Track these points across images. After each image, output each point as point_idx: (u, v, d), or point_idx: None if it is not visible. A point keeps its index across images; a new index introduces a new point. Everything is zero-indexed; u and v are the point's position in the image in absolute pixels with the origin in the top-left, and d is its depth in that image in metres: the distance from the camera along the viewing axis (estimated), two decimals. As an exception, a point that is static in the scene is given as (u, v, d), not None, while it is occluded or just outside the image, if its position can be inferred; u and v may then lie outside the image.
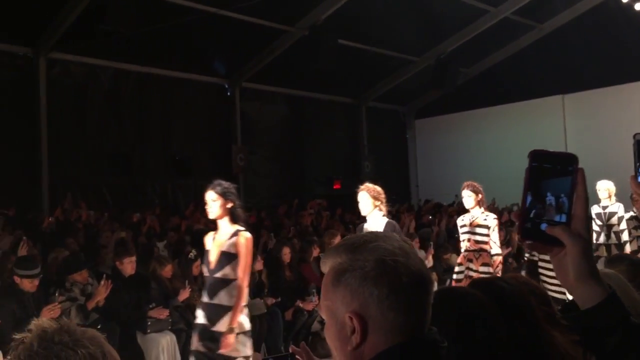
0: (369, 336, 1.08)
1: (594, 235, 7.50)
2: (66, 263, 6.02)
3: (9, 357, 1.20)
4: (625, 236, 7.35)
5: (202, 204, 11.49)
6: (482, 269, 5.88)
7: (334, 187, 15.42)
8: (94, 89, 11.52)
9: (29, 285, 5.10)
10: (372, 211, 5.30)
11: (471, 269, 5.96)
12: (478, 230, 6.00)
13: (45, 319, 1.28)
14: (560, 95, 15.16)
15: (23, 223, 8.30)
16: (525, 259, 7.91)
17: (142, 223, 9.48)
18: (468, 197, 6.09)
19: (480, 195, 6.11)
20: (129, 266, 5.84)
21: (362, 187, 5.39)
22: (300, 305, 6.89)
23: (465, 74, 15.47)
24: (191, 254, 6.88)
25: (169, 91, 12.63)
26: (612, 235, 7.42)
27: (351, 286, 1.09)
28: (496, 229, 6.02)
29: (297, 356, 1.27)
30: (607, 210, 7.48)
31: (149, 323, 5.72)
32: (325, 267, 1.16)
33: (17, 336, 1.21)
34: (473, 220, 6.06)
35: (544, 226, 1.02)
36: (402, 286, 1.08)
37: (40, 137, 10.50)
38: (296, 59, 12.17)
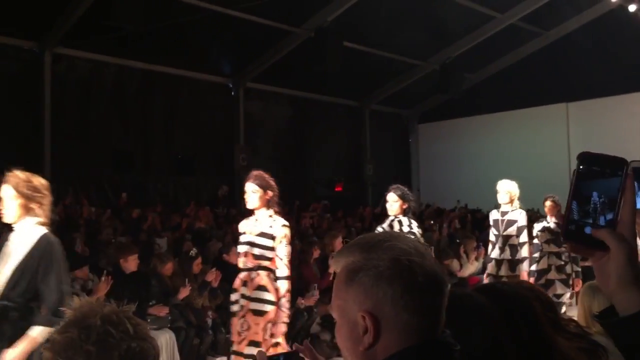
0: (382, 336, 1.06)
1: (489, 248, 6.37)
2: (67, 261, 6.00)
3: (66, 328, 1.20)
4: (524, 251, 6.10)
5: (202, 202, 11.43)
6: None
7: (336, 189, 15.41)
8: (98, 85, 11.52)
9: (30, 279, 5.09)
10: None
11: None
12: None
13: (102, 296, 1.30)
14: (565, 103, 15.16)
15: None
16: None
17: (143, 220, 9.47)
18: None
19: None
20: (132, 263, 5.84)
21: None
22: (302, 301, 6.86)
23: (470, 80, 15.46)
24: (192, 251, 6.87)
25: (173, 89, 12.63)
26: (507, 249, 6.13)
27: (365, 285, 1.07)
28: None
29: (300, 354, 1.25)
30: (505, 218, 6.22)
31: (149, 320, 5.70)
32: (338, 266, 1.14)
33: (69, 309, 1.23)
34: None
35: (588, 229, 0.99)
36: (417, 286, 1.06)
37: (43, 131, 10.50)
38: (301, 60, 12.17)
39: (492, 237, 6.33)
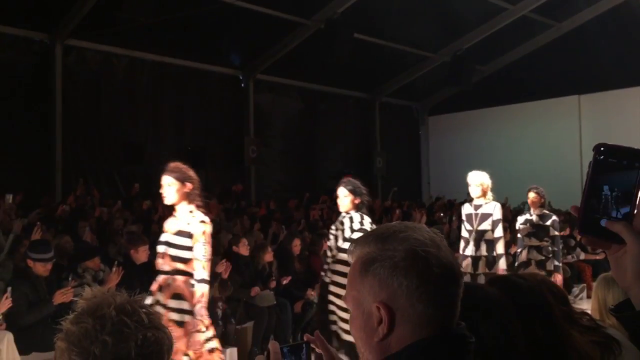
0: (397, 328, 1.06)
1: (461, 245, 5.99)
2: (78, 251, 6.06)
3: (81, 318, 1.20)
4: (499, 247, 5.74)
5: (212, 194, 11.43)
6: None
7: (346, 181, 15.37)
8: (109, 76, 11.55)
9: (42, 269, 5.14)
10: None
11: None
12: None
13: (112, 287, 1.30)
14: (577, 95, 15.03)
15: (37, 208, 8.35)
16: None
17: (153, 211, 9.51)
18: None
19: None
20: (143, 254, 5.87)
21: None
22: (312, 293, 6.87)
23: (481, 72, 15.37)
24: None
25: (183, 81, 12.64)
26: (483, 245, 5.76)
27: (380, 276, 1.07)
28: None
29: (312, 345, 1.24)
30: (479, 211, 5.81)
31: (159, 311, 5.73)
32: (352, 257, 1.14)
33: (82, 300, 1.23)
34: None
35: (603, 222, 0.98)
36: (432, 278, 1.05)
37: (54, 123, 10.54)
38: (311, 52, 12.13)
39: (464, 233, 5.95)
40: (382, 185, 16.10)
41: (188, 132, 12.74)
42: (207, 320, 3.91)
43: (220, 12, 10.73)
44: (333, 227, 5.13)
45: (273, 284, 6.67)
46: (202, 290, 3.83)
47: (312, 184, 14.42)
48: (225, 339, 5.96)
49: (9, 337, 4.63)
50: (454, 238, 9.64)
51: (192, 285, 3.87)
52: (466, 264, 5.81)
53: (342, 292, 4.64)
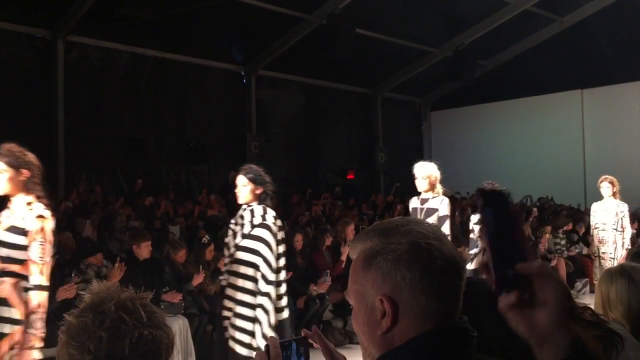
0: (400, 320, 1.06)
1: None
2: (80, 247, 6.06)
3: (82, 313, 1.20)
4: None
5: (214, 189, 11.46)
6: None
7: (348, 177, 15.39)
8: (110, 72, 11.56)
9: (44, 265, 5.14)
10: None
11: None
12: None
13: (116, 282, 1.30)
14: (579, 89, 14.99)
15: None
16: None
17: (156, 207, 9.53)
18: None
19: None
20: (145, 250, 5.87)
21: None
22: (314, 288, 6.87)
23: (483, 67, 15.33)
24: (204, 238, 6.90)
25: (185, 77, 12.65)
26: None
27: (383, 269, 1.07)
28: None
29: (309, 340, 1.25)
30: (425, 206, 5.32)
31: (162, 307, 5.74)
32: (355, 252, 1.14)
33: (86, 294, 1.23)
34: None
35: (510, 271, 0.91)
36: (435, 270, 1.05)
37: (57, 119, 10.56)
38: (313, 48, 12.12)
39: None
40: (384, 181, 16.10)
41: (190, 128, 12.75)
42: (39, 335, 3.18)
43: (221, 8, 10.72)
44: (232, 221, 4.43)
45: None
46: (38, 299, 3.16)
47: (314, 179, 14.43)
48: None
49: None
50: (457, 232, 9.64)
51: (26, 290, 3.20)
52: None
53: (241, 296, 4.16)
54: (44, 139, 10.48)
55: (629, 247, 7.34)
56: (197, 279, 6.09)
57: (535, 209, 12.17)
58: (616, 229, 7.25)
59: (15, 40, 10.33)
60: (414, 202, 5.52)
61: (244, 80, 13.57)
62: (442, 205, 5.33)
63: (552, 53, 14.34)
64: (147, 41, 11.54)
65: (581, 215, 11.65)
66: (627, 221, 7.33)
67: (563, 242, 10.15)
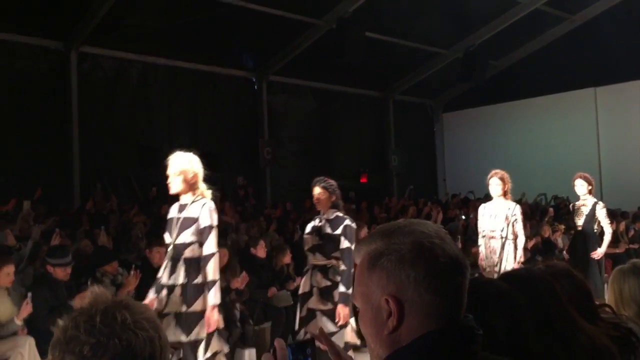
0: (406, 319, 1.07)
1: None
2: (95, 256, 6.11)
3: (66, 320, 1.16)
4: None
5: (228, 197, 11.39)
6: None
7: (361, 180, 15.37)
8: (123, 82, 11.67)
9: (61, 273, 5.20)
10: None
11: None
12: None
13: (103, 288, 1.25)
14: (593, 87, 14.87)
15: (55, 213, 8.46)
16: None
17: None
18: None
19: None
20: (157, 256, 5.90)
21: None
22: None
23: (495, 67, 15.27)
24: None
25: (196, 84, 12.73)
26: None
27: (387, 269, 1.08)
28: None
29: (317, 341, 1.26)
30: (182, 215, 4.06)
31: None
32: (359, 255, 1.15)
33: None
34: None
35: None
36: (439, 268, 1.07)
37: (71, 129, 10.67)
38: (323, 52, 12.14)
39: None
40: (397, 183, 16.06)
41: (203, 135, 12.82)
42: None
43: (230, 15, 10.79)
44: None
45: (293, 286, 6.69)
46: None
47: (327, 184, 14.39)
48: (243, 340, 5.99)
49: (31, 341, 4.70)
50: (471, 234, 9.59)
51: None
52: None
53: None
54: (59, 150, 10.61)
55: (522, 259, 6.08)
56: (242, 280, 6.03)
57: (551, 209, 12.08)
58: (506, 237, 5.97)
59: (30, 52, 10.47)
60: (172, 211, 4.17)
61: (255, 87, 13.62)
62: (202, 212, 3.94)
63: (564, 52, 14.25)
64: (158, 50, 11.64)
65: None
66: (519, 227, 6.04)
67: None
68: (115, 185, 11.21)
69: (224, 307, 6.21)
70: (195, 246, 3.93)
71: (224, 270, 5.22)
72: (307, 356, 1.22)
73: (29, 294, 4.84)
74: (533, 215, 11.43)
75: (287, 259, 6.98)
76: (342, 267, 4.64)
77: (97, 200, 9.85)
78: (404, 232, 1.10)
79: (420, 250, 1.07)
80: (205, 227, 3.91)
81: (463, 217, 11.14)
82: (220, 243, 4.23)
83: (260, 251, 6.92)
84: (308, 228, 4.99)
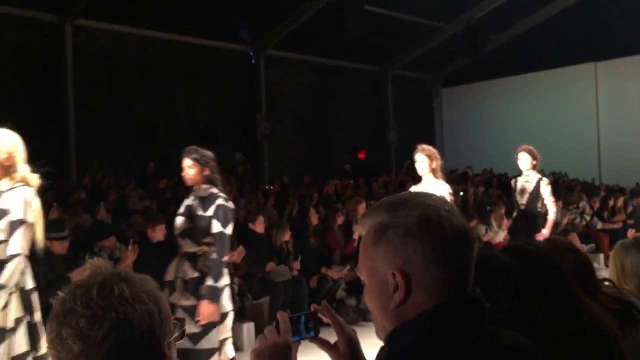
0: (413, 293, 1.05)
1: None
2: (94, 231, 6.10)
3: (64, 293, 1.15)
4: None
5: (226, 172, 11.38)
6: None
7: (359, 156, 15.35)
8: (119, 56, 11.55)
9: (59, 247, 5.18)
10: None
11: None
12: None
13: (103, 260, 1.22)
14: (593, 62, 14.77)
15: (53, 189, 8.42)
16: None
17: (169, 190, 9.56)
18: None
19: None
20: (160, 233, 5.90)
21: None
22: (325, 272, 6.90)
23: (495, 41, 15.13)
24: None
25: (194, 59, 12.61)
26: None
27: (394, 243, 1.06)
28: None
29: (319, 314, 1.25)
30: None
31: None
32: (364, 227, 1.13)
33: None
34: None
35: None
36: (447, 241, 1.05)
37: (67, 104, 10.59)
38: (322, 26, 12.02)
39: None
40: (396, 159, 16.03)
41: (200, 110, 12.74)
42: None
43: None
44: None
45: (297, 267, 6.70)
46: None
47: (325, 159, 14.39)
48: (242, 314, 6.02)
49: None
50: (471, 210, 9.62)
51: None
52: None
53: None
54: (55, 125, 10.53)
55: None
56: (239, 254, 6.02)
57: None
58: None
59: (24, 25, 10.34)
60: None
61: (253, 61, 13.50)
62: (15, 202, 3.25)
63: (565, 26, 14.12)
64: (155, 24, 11.49)
65: (596, 190, 11.56)
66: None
67: (577, 217, 10.08)
68: (112, 161, 11.17)
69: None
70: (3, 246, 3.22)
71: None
72: (310, 329, 1.21)
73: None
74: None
75: (286, 237, 6.98)
76: (214, 255, 3.88)
77: (95, 177, 9.82)
78: (411, 205, 1.08)
79: (428, 224, 1.05)
80: (15, 222, 3.20)
81: (462, 193, 11.14)
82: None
83: (259, 227, 6.91)
84: (182, 208, 4.22)
